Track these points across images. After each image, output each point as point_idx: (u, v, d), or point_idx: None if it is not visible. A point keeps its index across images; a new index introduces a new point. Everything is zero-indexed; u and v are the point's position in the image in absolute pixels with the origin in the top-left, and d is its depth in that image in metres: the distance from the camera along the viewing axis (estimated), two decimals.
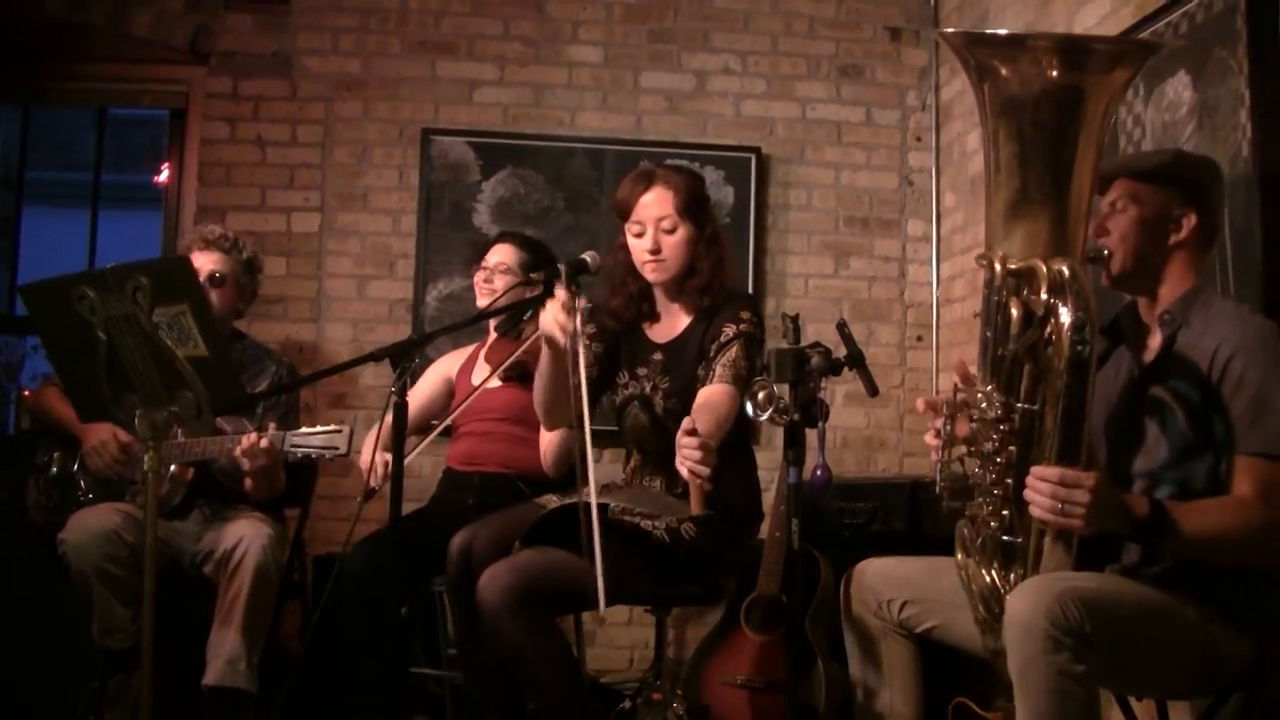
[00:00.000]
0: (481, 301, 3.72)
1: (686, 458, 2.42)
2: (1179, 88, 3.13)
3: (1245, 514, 2.15)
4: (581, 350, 2.61)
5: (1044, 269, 2.07)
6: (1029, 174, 2.13)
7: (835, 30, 4.86)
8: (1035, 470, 2.07)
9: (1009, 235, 2.15)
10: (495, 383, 3.56)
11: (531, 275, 3.14)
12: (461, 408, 3.51)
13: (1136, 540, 2.17)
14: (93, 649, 3.28)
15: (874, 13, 4.88)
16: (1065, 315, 2.02)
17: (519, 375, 3.59)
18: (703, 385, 2.92)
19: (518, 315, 3.68)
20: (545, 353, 2.82)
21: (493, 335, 3.76)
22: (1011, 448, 2.12)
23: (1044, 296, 2.05)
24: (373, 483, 3.27)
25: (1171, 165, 2.40)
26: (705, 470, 2.42)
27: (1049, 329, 2.06)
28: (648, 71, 4.78)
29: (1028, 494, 2.07)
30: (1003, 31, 2.25)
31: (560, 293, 2.67)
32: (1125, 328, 2.48)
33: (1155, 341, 2.39)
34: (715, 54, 4.81)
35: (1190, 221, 2.35)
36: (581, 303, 2.66)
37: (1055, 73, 2.08)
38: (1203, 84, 3.03)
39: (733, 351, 2.92)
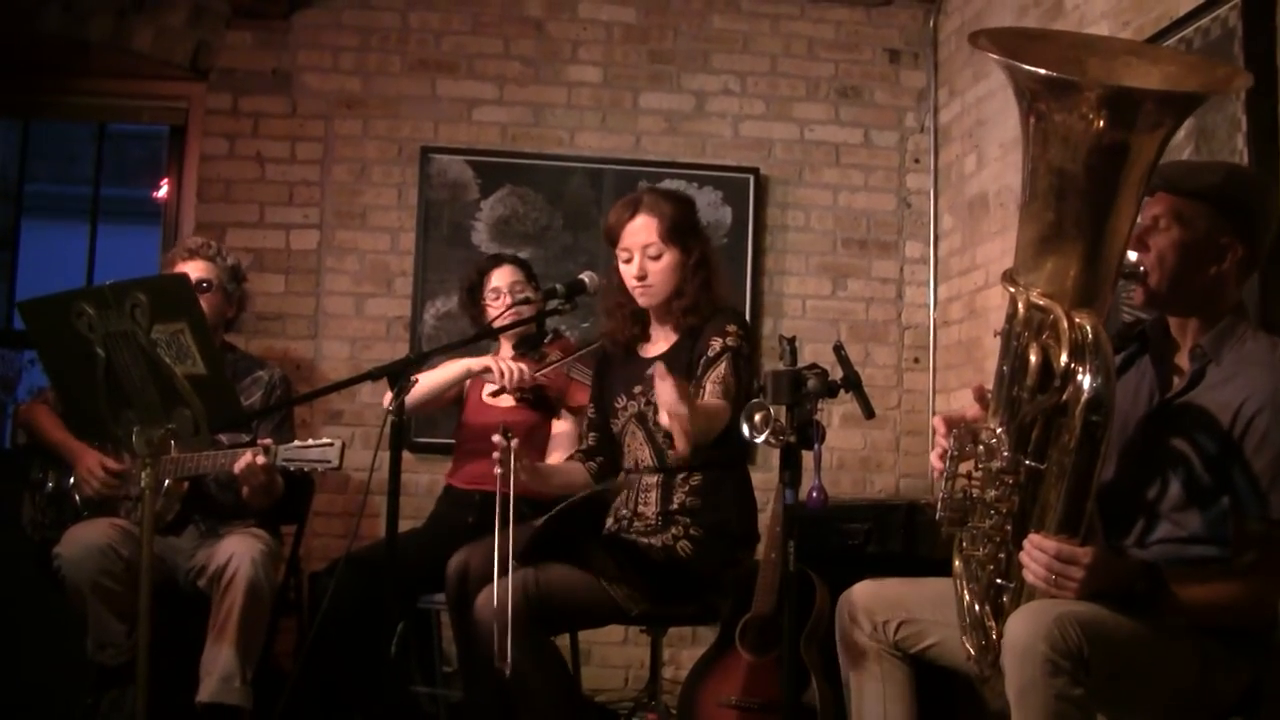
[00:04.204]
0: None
1: (665, 403, 2.58)
2: None
3: (1246, 584, 2.13)
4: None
5: (1065, 324, 1.98)
6: (1065, 208, 2.02)
7: (834, 52, 4.88)
8: (1033, 539, 2.04)
9: (1038, 267, 2.07)
10: (507, 401, 3.56)
11: (543, 292, 3.17)
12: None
13: (1131, 608, 2.13)
14: (87, 664, 3.27)
15: (873, 35, 4.91)
16: (1083, 386, 1.94)
17: (535, 399, 3.59)
18: None
19: (539, 337, 3.68)
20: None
21: (506, 350, 3.74)
22: (1014, 498, 2.09)
23: (1064, 359, 1.97)
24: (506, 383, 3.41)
25: (1221, 187, 2.23)
26: (684, 410, 2.56)
27: (1066, 394, 1.97)
28: (647, 92, 4.79)
29: (1023, 558, 2.05)
30: (1055, 74, 2.00)
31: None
32: (1153, 338, 2.38)
33: (1182, 370, 2.30)
34: (714, 75, 4.82)
35: (1236, 253, 2.22)
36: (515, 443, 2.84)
37: (1102, 123, 1.95)
38: (1200, 109, 3.03)
39: (721, 368, 2.94)
